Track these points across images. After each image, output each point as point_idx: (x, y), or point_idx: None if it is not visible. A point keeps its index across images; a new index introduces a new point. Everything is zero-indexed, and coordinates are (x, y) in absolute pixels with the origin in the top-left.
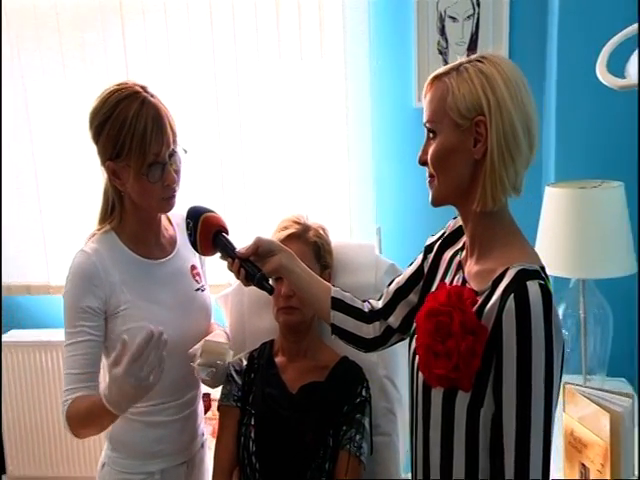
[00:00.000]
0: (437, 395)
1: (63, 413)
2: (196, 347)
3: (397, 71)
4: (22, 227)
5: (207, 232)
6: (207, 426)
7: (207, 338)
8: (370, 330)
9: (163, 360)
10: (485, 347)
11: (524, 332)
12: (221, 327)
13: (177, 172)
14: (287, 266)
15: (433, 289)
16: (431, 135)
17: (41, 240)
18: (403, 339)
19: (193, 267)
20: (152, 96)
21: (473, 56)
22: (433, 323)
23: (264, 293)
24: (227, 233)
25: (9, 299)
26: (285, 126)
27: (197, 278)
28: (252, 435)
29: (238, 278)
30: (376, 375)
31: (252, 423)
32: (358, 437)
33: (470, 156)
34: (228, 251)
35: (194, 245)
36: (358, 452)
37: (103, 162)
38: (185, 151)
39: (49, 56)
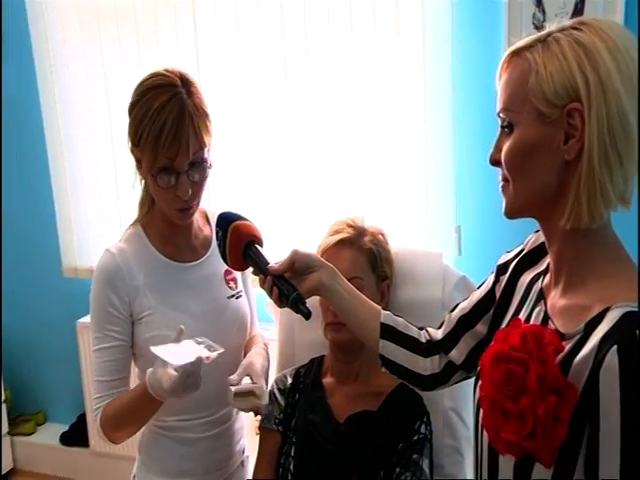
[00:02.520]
0: (506, 465)
1: (96, 421)
2: (233, 378)
3: (483, 51)
4: (98, 211)
5: (237, 243)
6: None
7: (234, 390)
8: (427, 365)
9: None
10: (574, 412)
11: (631, 399)
12: (261, 342)
13: (195, 184)
14: (328, 285)
15: (505, 322)
16: (506, 129)
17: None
18: (469, 377)
19: (228, 272)
20: (189, 95)
21: (568, 22)
22: (502, 372)
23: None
24: (261, 244)
25: (83, 282)
26: (355, 112)
27: (232, 284)
28: (291, 468)
29: (271, 298)
30: (440, 407)
31: (292, 454)
32: None
33: (558, 156)
34: (259, 266)
35: (223, 257)
36: None
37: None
38: (210, 166)
39: (127, 44)
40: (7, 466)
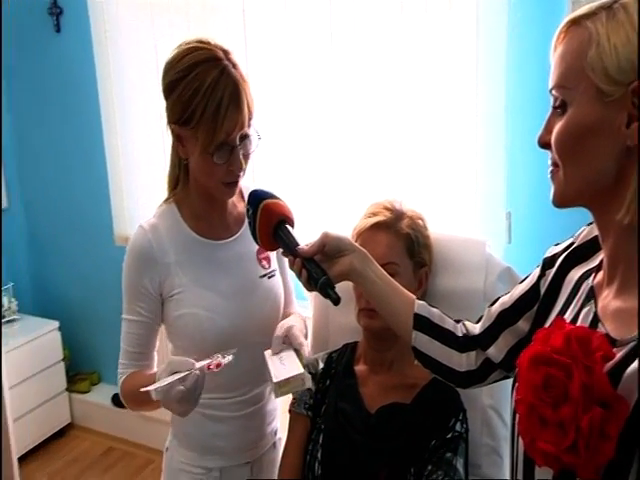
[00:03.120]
0: (544, 476)
1: (119, 386)
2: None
3: (543, 25)
4: (148, 182)
5: (267, 222)
6: None
7: (276, 381)
8: (463, 361)
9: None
10: (625, 429)
11: None
12: (300, 318)
13: (246, 157)
14: (359, 270)
15: (549, 321)
16: (559, 108)
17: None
18: (509, 377)
19: (261, 250)
20: (234, 66)
21: None
22: (541, 375)
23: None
24: (292, 225)
25: None
26: (402, 89)
27: (264, 263)
28: (318, 456)
29: (300, 280)
30: (479, 404)
31: (320, 441)
32: None
33: (619, 141)
34: (289, 247)
35: (254, 236)
36: None
37: (169, 122)
38: (259, 137)
39: (176, 18)
40: (65, 420)
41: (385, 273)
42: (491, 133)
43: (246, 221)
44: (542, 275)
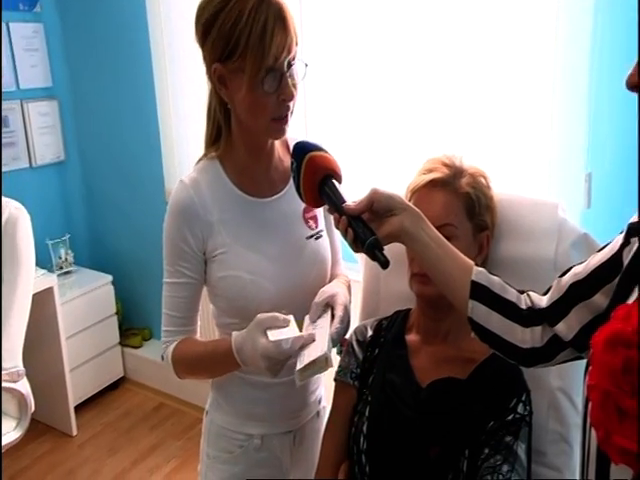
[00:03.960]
0: (620, 476)
1: (166, 355)
2: (314, 301)
3: None
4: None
5: (312, 176)
6: None
7: (298, 368)
8: (526, 336)
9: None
10: None
11: None
12: (345, 282)
13: (295, 88)
14: (410, 231)
15: (633, 298)
16: None
17: None
18: (581, 358)
19: (307, 209)
20: None
21: None
22: (620, 359)
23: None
24: (339, 180)
25: None
26: (468, 33)
27: (311, 223)
28: (364, 429)
29: (345, 240)
30: (546, 385)
31: (366, 414)
32: (506, 468)
33: None
34: (335, 204)
35: (298, 191)
36: None
37: (210, 66)
38: (306, 65)
39: None
40: (119, 373)
41: (440, 236)
42: (571, 79)
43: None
44: (626, 243)
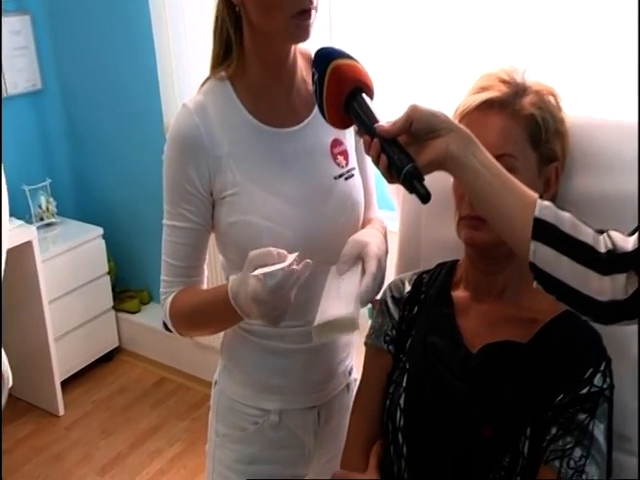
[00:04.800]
0: None
1: (164, 309)
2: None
3: None
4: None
5: (337, 89)
6: None
7: (316, 323)
8: (606, 287)
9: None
10: None
11: None
12: (380, 229)
13: None
14: (458, 157)
15: None
16: None
17: None
18: None
19: (336, 142)
20: None
21: None
22: None
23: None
24: (370, 95)
25: None
26: None
27: (340, 159)
28: (401, 402)
29: (378, 168)
30: (630, 353)
31: (403, 384)
32: (579, 453)
33: None
34: (365, 124)
35: (320, 107)
36: (577, 477)
37: None
38: None
39: None
40: (113, 343)
41: (496, 163)
42: None
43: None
44: None
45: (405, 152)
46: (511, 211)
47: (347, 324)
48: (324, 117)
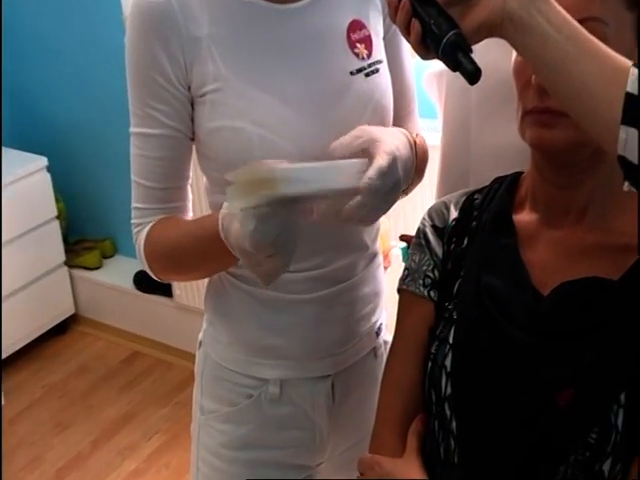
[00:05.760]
0: None
1: (137, 244)
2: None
3: None
4: None
5: None
6: None
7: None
8: None
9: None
10: None
11: None
12: (405, 135)
13: None
14: (519, 16)
15: None
16: None
17: None
18: None
19: (355, 25)
20: None
21: None
22: None
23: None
24: None
25: None
26: None
27: (361, 48)
28: (447, 364)
29: (407, 39)
30: None
31: (450, 341)
32: None
33: None
34: None
35: None
36: None
37: None
38: None
39: None
40: (67, 310)
41: (571, 20)
42: None
43: None
44: None
45: (445, 15)
46: (592, 86)
47: (268, 182)
48: None
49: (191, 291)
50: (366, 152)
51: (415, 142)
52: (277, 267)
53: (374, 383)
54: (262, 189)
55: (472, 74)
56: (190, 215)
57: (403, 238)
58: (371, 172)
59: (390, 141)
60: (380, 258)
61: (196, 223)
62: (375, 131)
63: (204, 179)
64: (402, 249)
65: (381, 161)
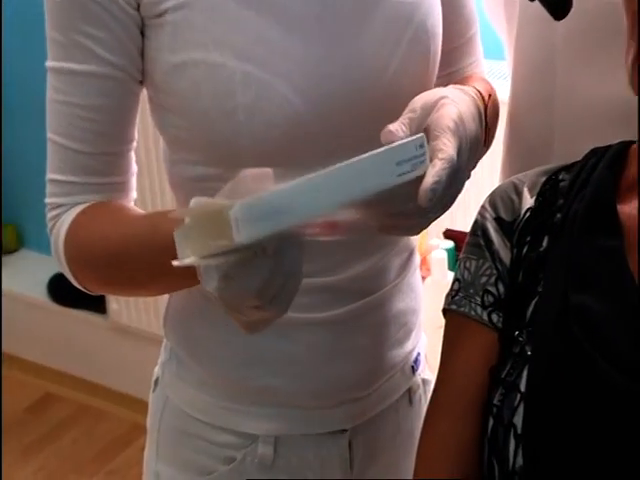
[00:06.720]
0: None
1: (55, 237)
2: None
3: None
4: None
5: None
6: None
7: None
8: None
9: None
10: None
11: None
12: (470, 96)
13: None
14: None
15: None
16: None
17: None
18: None
19: None
20: None
21: None
22: None
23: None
24: None
25: None
26: None
27: None
28: (517, 423)
29: None
30: None
31: (522, 387)
32: None
33: None
34: None
35: None
36: None
37: None
38: None
39: None
40: None
41: None
42: None
43: None
44: None
45: None
46: None
47: (220, 225)
48: None
49: (135, 305)
50: (422, 126)
51: (486, 106)
52: (268, 318)
53: (409, 442)
54: (215, 234)
55: (558, 5)
56: (134, 196)
57: (449, 234)
58: (433, 173)
59: (455, 105)
60: (417, 258)
61: (149, 220)
62: (431, 96)
63: (161, 142)
64: (448, 251)
65: (450, 150)
